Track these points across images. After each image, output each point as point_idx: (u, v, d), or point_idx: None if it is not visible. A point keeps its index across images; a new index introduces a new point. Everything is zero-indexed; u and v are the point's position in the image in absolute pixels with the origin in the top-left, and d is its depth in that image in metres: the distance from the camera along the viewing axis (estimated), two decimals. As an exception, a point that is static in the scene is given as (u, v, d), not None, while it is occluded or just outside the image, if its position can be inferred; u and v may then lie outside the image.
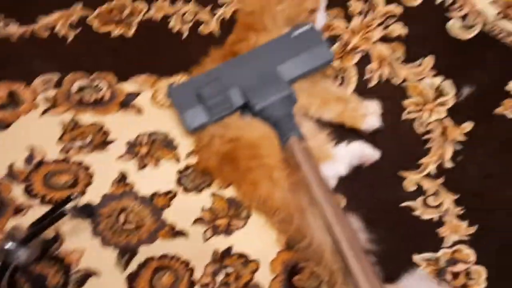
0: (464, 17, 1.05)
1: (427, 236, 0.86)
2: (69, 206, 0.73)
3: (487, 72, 0.98)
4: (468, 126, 0.94)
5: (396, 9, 1.08)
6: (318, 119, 0.95)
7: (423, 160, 0.93)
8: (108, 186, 0.88)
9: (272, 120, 0.90)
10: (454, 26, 1.03)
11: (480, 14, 1.05)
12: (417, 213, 0.88)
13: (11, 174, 0.90)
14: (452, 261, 0.83)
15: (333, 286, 0.78)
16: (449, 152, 0.93)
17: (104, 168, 0.90)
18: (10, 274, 0.72)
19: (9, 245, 0.72)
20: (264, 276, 0.79)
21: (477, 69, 0.99)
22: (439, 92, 0.98)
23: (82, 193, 0.86)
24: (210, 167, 0.90)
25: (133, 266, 0.79)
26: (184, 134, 0.95)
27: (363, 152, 0.92)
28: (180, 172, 0.92)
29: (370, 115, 0.95)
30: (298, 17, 0.99)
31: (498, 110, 0.95)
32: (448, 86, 0.98)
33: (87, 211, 0.79)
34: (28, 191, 0.88)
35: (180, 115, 0.93)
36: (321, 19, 1.02)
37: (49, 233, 0.82)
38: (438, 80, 0.99)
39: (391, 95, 1.00)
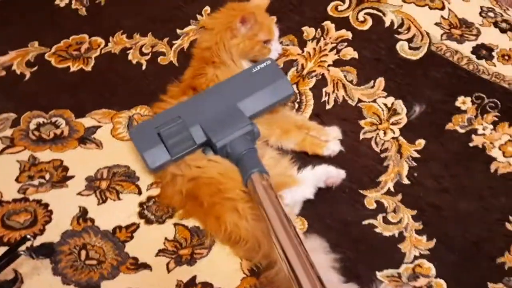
0: (411, 39, 1.10)
1: (389, 252, 0.88)
2: (24, 246, 0.71)
3: (437, 90, 1.02)
4: (421, 142, 0.98)
5: (347, 33, 1.13)
6: (279, 147, 0.98)
7: (382, 178, 0.96)
8: (68, 222, 0.87)
9: (234, 157, 0.90)
10: (403, 48, 1.08)
11: (426, 35, 1.10)
12: (378, 230, 0.90)
13: (-32, 216, 0.89)
14: (414, 276, 0.85)
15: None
16: (405, 169, 0.97)
17: (64, 205, 0.89)
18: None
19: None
20: (229, 303, 0.80)
21: (426, 87, 1.03)
22: (392, 112, 1.02)
23: (42, 231, 0.85)
24: (174, 204, 0.90)
25: (95, 303, 0.79)
26: (146, 170, 0.95)
27: (329, 174, 0.93)
28: (142, 204, 0.91)
29: (332, 140, 0.98)
30: (252, 49, 1.02)
31: (449, 126, 0.99)
32: (400, 106, 1.02)
33: (45, 250, 0.78)
34: (-14, 233, 0.87)
35: (141, 154, 0.91)
36: (275, 49, 1.05)
37: (7, 274, 0.81)
38: (390, 100, 1.03)
39: (348, 116, 1.03)
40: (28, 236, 0.72)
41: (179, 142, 0.90)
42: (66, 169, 0.95)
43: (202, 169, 0.89)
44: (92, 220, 0.88)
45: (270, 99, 0.97)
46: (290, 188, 0.89)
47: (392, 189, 0.94)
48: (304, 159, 0.96)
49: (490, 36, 1.10)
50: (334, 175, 0.93)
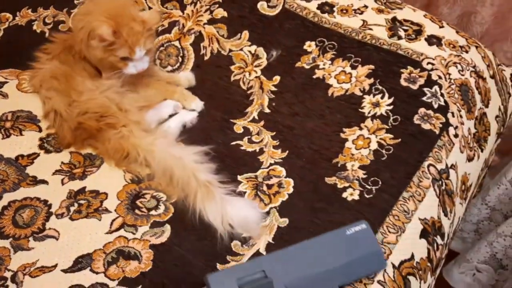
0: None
1: (251, 162, 1.09)
2: None
3: (289, 38, 1.25)
4: (277, 78, 1.20)
5: (218, -2, 1.35)
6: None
7: (248, 109, 1.17)
8: (-25, 151, 1.03)
9: None
10: (263, 6, 1.30)
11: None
12: (243, 147, 1.11)
13: None
14: (268, 177, 1.05)
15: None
16: (266, 100, 1.18)
17: (-29, 139, 1.05)
18: None
19: None
20: (111, 203, 0.97)
21: (281, 36, 1.26)
22: (255, 57, 1.24)
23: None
24: (68, 142, 1.06)
25: (-2, 208, 0.94)
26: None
27: (183, 118, 1.13)
28: (42, 139, 1.08)
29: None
30: (107, 60, 1.05)
31: (298, 64, 1.22)
32: (261, 52, 1.24)
33: None
34: None
35: None
36: (134, 66, 1.07)
37: None
38: (253, 48, 1.25)
39: (222, 64, 1.24)
40: None
41: None
42: (-26, 113, 1.11)
43: (85, 105, 1.05)
44: (-3, 150, 1.04)
45: (362, 271, 0.89)
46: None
47: (256, 117, 1.16)
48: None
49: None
50: (189, 118, 1.13)
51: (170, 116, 1.14)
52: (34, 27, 1.30)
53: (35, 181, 0.99)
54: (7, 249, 0.88)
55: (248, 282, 0.82)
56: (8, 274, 0.85)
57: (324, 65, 1.20)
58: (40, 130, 1.09)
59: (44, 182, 1.00)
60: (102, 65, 1.08)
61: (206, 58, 1.25)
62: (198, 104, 1.18)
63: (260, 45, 1.25)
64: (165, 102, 1.15)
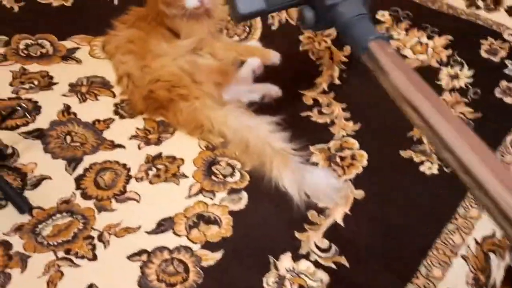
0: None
1: (322, 133, 1.07)
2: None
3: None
4: (347, 49, 1.18)
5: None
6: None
7: (318, 80, 1.15)
8: (55, 114, 1.05)
9: (343, 21, 0.71)
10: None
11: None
12: (313, 119, 1.09)
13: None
14: (341, 149, 1.04)
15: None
16: (337, 72, 1.16)
17: (51, 102, 1.07)
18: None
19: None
20: (188, 168, 0.98)
21: (353, 6, 1.23)
22: (326, 27, 1.22)
23: (33, 120, 1.02)
24: (140, 109, 1.07)
25: (79, 170, 0.96)
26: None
27: (269, 91, 1.11)
28: (116, 104, 1.09)
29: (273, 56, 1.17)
30: None
31: (371, 35, 1.19)
32: (332, 21, 1.22)
33: (37, 134, 0.92)
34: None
35: None
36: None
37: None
38: (324, 17, 1.22)
39: (290, 33, 1.22)
40: (18, 107, 0.88)
41: None
42: (51, 77, 1.12)
43: (157, 72, 1.05)
44: (75, 114, 1.06)
45: None
46: None
47: (326, 88, 1.14)
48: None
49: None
50: (273, 91, 1.12)
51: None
52: (105, -7, 1.31)
53: (113, 145, 1.01)
54: (91, 209, 0.90)
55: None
56: (94, 234, 0.87)
57: (398, 35, 1.16)
58: (114, 96, 1.11)
59: (121, 146, 1.01)
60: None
61: (273, 28, 1.24)
62: (277, 56, 1.16)
63: (330, 15, 1.22)
64: (248, 60, 1.14)
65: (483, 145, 0.52)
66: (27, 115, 0.88)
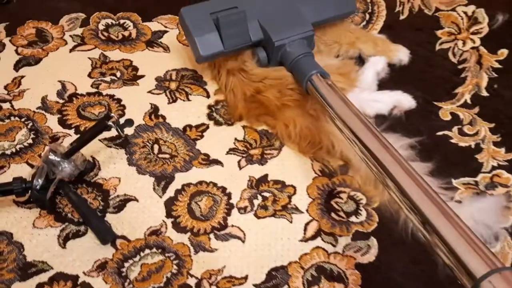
0: None
1: (466, 161, 0.85)
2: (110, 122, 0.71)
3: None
4: (503, 53, 0.93)
5: None
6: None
7: (459, 90, 0.92)
8: (141, 117, 0.87)
9: (289, 60, 0.85)
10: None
11: None
12: (453, 140, 0.87)
13: (44, 106, 0.89)
14: (492, 185, 0.82)
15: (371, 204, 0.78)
16: (485, 81, 0.92)
17: (136, 101, 0.89)
18: (54, 187, 0.72)
19: (52, 157, 0.71)
20: (301, 199, 0.79)
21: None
22: (473, 21, 0.96)
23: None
24: (240, 115, 0.88)
25: (170, 192, 0.79)
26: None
27: (400, 102, 0.90)
28: (210, 106, 0.91)
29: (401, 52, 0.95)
30: None
31: (535, 35, 0.93)
32: (481, 15, 0.96)
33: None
34: (63, 122, 0.87)
35: (192, 39, 0.85)
36: None
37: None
38: (471, 8, 0.97)
39: (424, 26, 0.98)
40: (111, 114, 0.72)
41: (235, 34, 0.85)
42: (136, 68, 0.94)
43: (265, 71, 0.87)
44: (164, 117, 0.88)
45: (333, 12, 0.93)
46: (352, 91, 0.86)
47: (469, 101, 0.91)
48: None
49: None
50: (405, 103, 0.89)
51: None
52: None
53: (208, 161, 0.84)
54: (186, 246, 0.73)
55: (223, 14, 0.84)
56: (191, 282, 0.70)
57: None
58: (208, 96, 0.92)
59: (218, 162, 0.83)
60: None
61: (402, 17, 1.00)
62: (405, 53, 0.95)
63: (480, 5, 0.97)
64: (372, 59, 0.93)
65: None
66: (120, 132, 0.71)
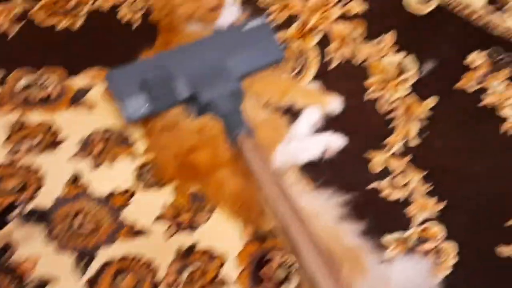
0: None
1: (396, 216, 0.85)
2: (14, 213, 0.67)
3: (447, 46, 0.97)
4: (431, 101, 0.94)
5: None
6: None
7: (389, 139, 0.92)
8: (61, 188, 0.83)
9: (219, 114, 0.84)
10: (411, 1, 1.01)
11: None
12: (384, 194, 0.87)
13: (-47, 181, 0.84)
14: (422, 240, 0.82)
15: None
16: (414, 129, 0.92)
17: (56, 170, 0.85)
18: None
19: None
20: (231, 268, 0.76)
21: (436, 43, 0.98)
22: (401, 69, 0.97)
23: (31, 198, 0.81)
24: (171, 175, 0.85)
25: (92, 270, 0.75)
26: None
27: (330, 143, 0.89)
28: (138, 168, 0.87)
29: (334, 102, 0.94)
30: (200, 15, 0.92)
31: (459, 84, 0.94)
32: (410, 62, 0.97)
33: (38, 216, 0.73)
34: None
35: (119, 102, 0.84)
36: (229, 14, 0.95)
37: (-1, 243, 0.77)
38: (399, 56, 0.97)
39: (353, 76, 0.98)
40: (16, 204, 0.68)
41: (163, 93, 0.84)
42: (56, 132, 0.88)
43: (200, 132, 0.84)
44: (86, 186, 0.83)
45: (260, 61, 0.92)
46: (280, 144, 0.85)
47: (399, 150, 0.91)
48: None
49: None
50: (335, 144, 0.89)
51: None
52: (120, 14, 1.07)
53: (134, 232, 0.79)
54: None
55: (150, 75, 0.84)
56: None
57: (495, 87, 0.92)
58: (136, 157, 0.88)
59: (144, 233, 0.79)
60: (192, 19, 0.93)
61: (331, 67, 1.00)
62: (337, 103, 0.94)
63: (409, 52, 0.97)
64: (306, 111, 0.91)
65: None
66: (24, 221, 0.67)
